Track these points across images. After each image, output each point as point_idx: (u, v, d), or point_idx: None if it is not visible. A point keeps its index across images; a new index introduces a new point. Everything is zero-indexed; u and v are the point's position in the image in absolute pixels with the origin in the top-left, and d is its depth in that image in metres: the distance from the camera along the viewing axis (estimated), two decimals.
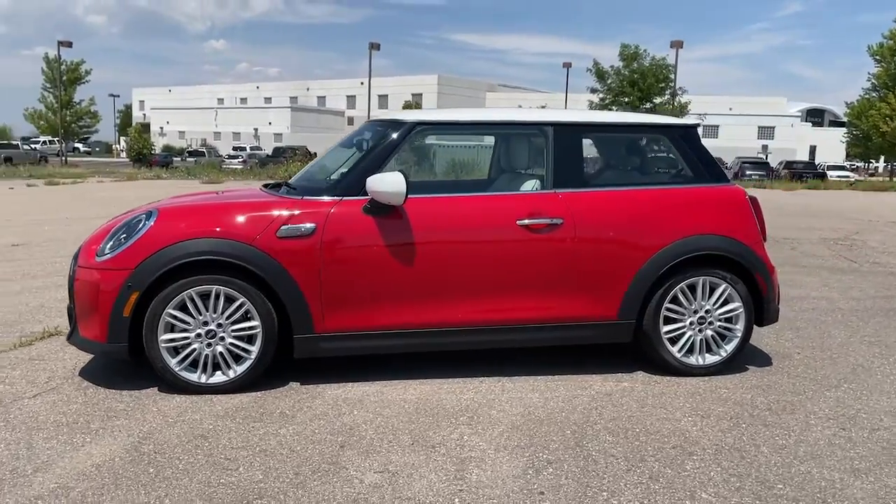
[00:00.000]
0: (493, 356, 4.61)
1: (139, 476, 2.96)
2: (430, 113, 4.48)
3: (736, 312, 4.42)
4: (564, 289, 4.21)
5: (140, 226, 3.94)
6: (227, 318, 3.91)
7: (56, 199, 16.86)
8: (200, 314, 3.88)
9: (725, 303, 4.40)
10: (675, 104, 40.12)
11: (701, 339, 4.41)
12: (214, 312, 3.90)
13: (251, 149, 53.50)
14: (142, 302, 3.83)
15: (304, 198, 4.11)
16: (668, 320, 4.37)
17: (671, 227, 4.33)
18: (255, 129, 62.54)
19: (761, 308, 4.49)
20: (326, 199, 4.06)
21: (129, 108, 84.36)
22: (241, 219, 3.94)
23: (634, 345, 4.46)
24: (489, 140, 5.25)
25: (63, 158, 44.60)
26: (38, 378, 4.12)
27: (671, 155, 4.63)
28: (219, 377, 3.95)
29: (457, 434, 3.46)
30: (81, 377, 4.15)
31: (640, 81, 39.82)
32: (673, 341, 4.39)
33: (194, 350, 3.91)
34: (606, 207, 4.31)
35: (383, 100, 57.35)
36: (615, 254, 4.26)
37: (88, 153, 68.70)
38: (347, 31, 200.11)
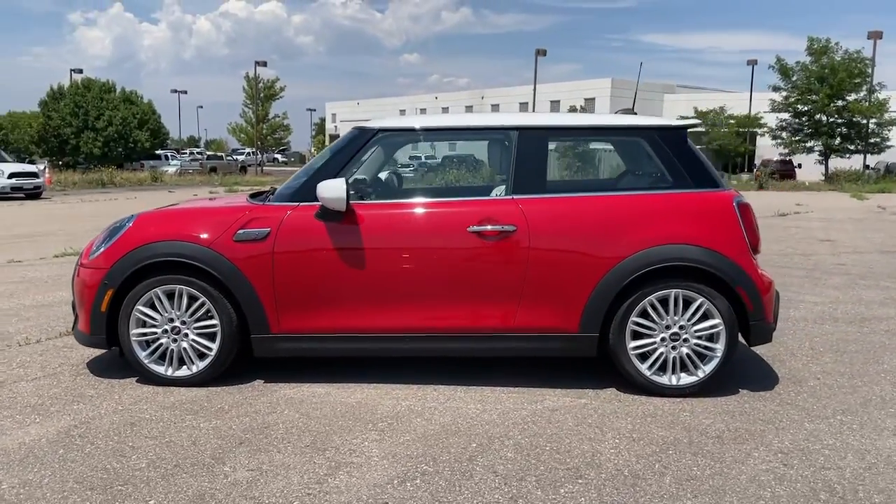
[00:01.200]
0: (475, 364, 4.54)
1: (45, 457, 3.26)
2: (394, 120, 4.50)
3: (716, 330, 4.05)
4: (519, 298, 4.07)
5: (120, 229, 4.32)
6: (191, 315, 4.18)
7: None
8: (167, 311, 4.17)
9: (703, 319, 4.05)
10: (872, 101, 36.44)
11: (675, 358, 4.08)
12: (179, 310, 4.17)
13: (425, 157, 55.49)
14: (119, 298, 4.18)
15: (266, 203, 4.30)
16: (636, 335, 4.09)
17: (638, 235, 4.05)
18: None
19: (748, 327, 4.08)
20: (284, 204, 4.22)
21: (323, 121, 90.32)
22: (202, 224, 4.19)
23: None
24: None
25: (260, 168, 48.63)
26: (49, 364, 4.62)
27: (650, 158, 4.32)
28: (183, 371, 4.23)
29: (360, 439, 3.47)
30: (88, 367, 4.58)
31: (830, 77, 36.55)
32: (643, 358, 4.10)
33: (161, 345, 4.21)
34: (565, 214, 4.11)
35: (555, 105, 57.02)
36: (573, 263, 4.05)
37: (285, 163, 74.26)
38: (535, 38, 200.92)
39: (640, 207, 4.14)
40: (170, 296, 4.17)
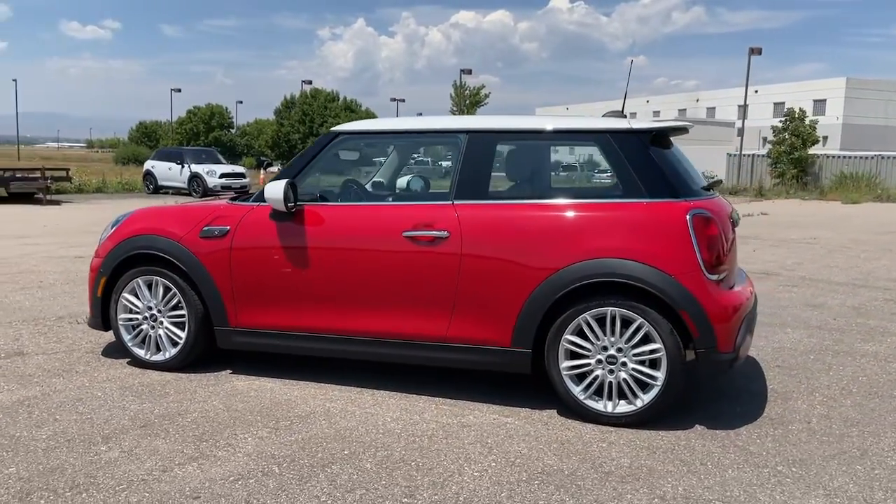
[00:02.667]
0: (440, 371, 4.44)
1: None
2: (355, 124, 4.49)
3: (656, 356, 3.63)
4: (453, 307, 3.92)
5: (118, 222, 4.75)
6: (165, 305, 4.50)
7: None
8: (146, 300, 4.53)
9: (643, 342, 3.65)
10: None
11: (612, 383, 3.72)
12: (156, 299, 4.51)
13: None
14: (112, 286, 4.61)
15: (235, 203, 4.51)
16: (572, 355, 3.77)
17: (574, 246, 3.73)
18: None
19: (696, 355, 3.61)
20: (248, 204, 4.41)
21: None
22: (178, 221, 4.48)
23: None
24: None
25: None
26: (77, 342, 5.18)
27: (602, 164, 3.95)
28: (159, 356, 4.56)
29: (248, 435, 3.55)
30: (107, 345, 5.08)
31: None
32: (579, 379, 3.78)
33: (142, 330, 4.58)
34: (499, 222, 3.89)
35: (778, 107, 52.64)
36: (504, 273, 3.83)
37: None
38: (775, 35, 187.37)
39: (581, 217, 3.81)
40: (149, 286, 4.51)
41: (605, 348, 3.70)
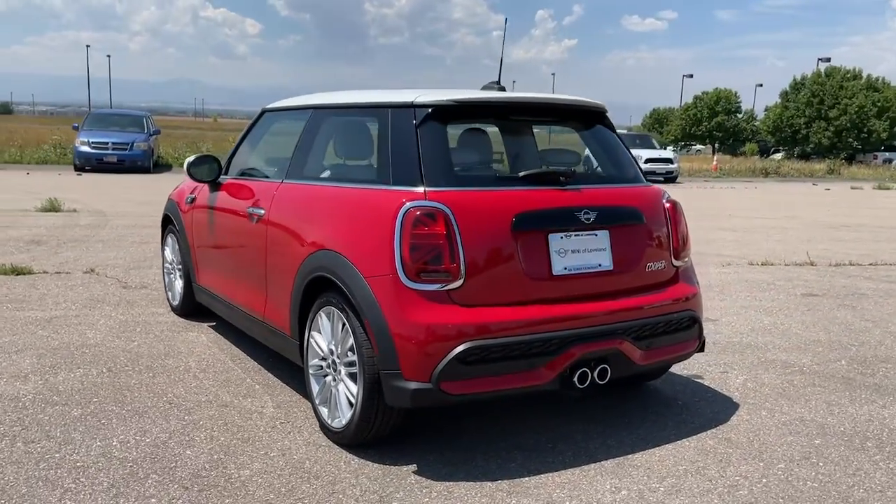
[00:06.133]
0: None
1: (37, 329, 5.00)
2: (280, 101, 4.49)
3: (355, 369, 3.07)
4: (266, 287, 3.85)
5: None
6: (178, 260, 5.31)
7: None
8: (173, 253, 5.39)
9: (352, 350, 3.11)
10: None
11: (333, 391, 3.25)
12: (174, 256, 5.35)
13: None
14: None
15: None
16: (314, 353, 3.40)
17: (316, 234, 3.35)
18: None
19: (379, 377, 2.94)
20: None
21: None
22: (185, 192, 5.18)
23: None
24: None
25: None
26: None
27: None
28: (173, 301, 5.40)
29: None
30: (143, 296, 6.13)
31: None
32: (316, 381, 3.40)
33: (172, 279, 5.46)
34: (288, 204, 3.67)
35: None
36: (281, 258, 3.62)
37: None
38: None
39: (325, 203, 3.38)
40: (173, 242, 5.36)
41: (331, 351, 3.26)
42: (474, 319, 2.89)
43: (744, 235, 10.69)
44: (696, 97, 62.21)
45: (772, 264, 8.15)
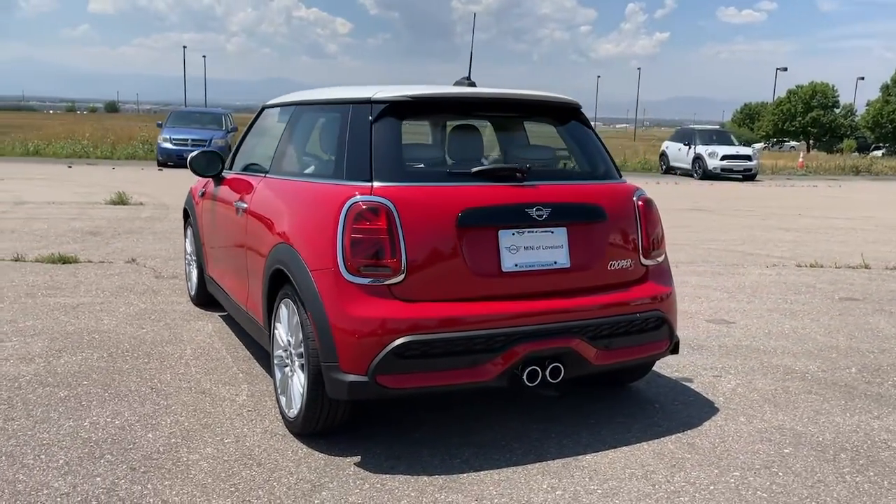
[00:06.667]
0: None
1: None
2: (280, 97, 4.58)
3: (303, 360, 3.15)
4: (248, 278, 3.98)
5: None
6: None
7: None
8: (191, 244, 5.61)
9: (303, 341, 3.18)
10: None
11: (289, 381, 3.33)
12: (191, 246, 5.57)
13: None
14: None
15: None
16: (278, 343, 3.49)
17: (277, 227, 3.45)
18: None
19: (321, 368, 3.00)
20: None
21: None
22: (199, 184, 5.38)
23: None
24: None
25: None
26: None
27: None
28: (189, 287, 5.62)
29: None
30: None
31: None
32: (279, 370, 3.49)
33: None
34: (263, 198, 3.78)
35: None
36: (256, 250, 3.72)
37: None
38: None
39: (294, 197, 3.47)
40: (191, 233, 5.57)
41: (289, 342, 3.34)
42: (414, 314, 2.91)
43: (804, 236, 10.24)
44: (789, 91, 59.75)
45: (821, 266, 7.79)
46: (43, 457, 2.99)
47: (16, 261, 6.81)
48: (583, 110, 3.68)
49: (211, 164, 4.65)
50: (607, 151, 3.66)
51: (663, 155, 25.45)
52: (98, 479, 2.82)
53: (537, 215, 3.12)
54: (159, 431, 3.26)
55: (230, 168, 4.69)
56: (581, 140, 3.63)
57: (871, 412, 3.70)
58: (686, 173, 23.68)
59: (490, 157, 3.67)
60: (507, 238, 3.11)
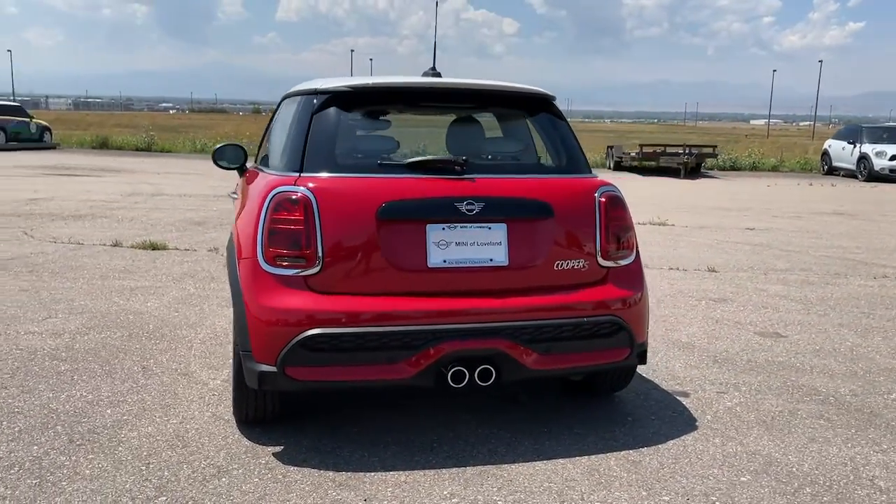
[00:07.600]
0: None
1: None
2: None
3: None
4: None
5: None
6: None
7: None
8: None
9: None
10: None
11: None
12: None
13: None
14: None
15: None
16: None
17: (235, 220, 3.54)
18: None
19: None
20: None
21: None
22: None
23: None
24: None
25: None
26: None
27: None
28: None
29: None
30: None
31: None
32: None
33: None
34: (242, 190, 3.87)
35: None
36: (232, 241, 3.84)
37: None
38: None
39: (247, 188, 3.53)
40: None
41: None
42: (326, 307, 2.88)
43: None
44: None
45: None
46: (5, 423, 3.24)
47: (114, 246, 7.43)
48: (556, 102, 3.47)
49: (236, 156, 4.81)
50: (579, 145, 3.43)
51: (825, 154, 23.43)
52: (35, 447, 3.02)
53: (467, 209, 2.99)
54: (118, 409, 3.44)
55: (256, 161, 4.85)
56: (550, 133, 3.43)
57: (878, 444, 3.22)
58: (850, 174, 21.67)
59: (435, 150, 3.56)
60: (435, 233, 2.99)
